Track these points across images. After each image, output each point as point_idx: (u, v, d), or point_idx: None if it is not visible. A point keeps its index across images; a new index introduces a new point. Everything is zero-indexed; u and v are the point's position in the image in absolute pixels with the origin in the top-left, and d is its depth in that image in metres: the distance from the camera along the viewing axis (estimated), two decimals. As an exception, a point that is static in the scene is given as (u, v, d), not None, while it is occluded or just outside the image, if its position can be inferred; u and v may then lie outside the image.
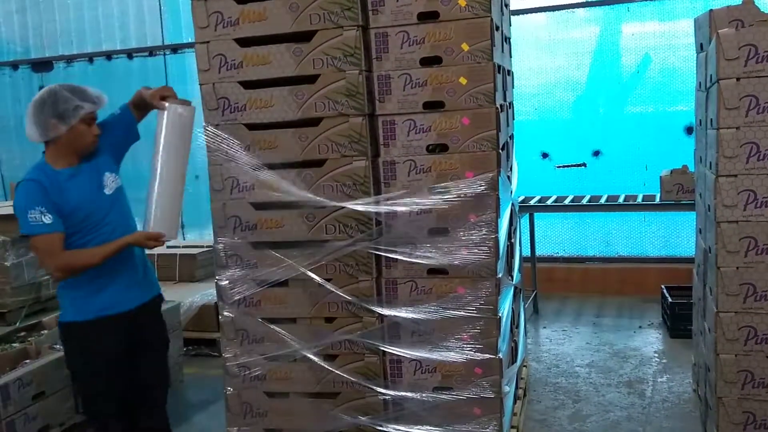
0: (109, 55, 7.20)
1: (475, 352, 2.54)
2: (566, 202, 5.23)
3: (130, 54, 7.13)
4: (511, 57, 3.34)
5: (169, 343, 2.92)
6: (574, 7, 5.73)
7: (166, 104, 2.58)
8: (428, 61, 2.48)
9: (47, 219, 2.47)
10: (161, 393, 2.85)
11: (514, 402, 3.12)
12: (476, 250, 2.49)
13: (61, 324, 2.69)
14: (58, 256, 2.49)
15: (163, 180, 2.56)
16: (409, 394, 2.61)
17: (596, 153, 5.80)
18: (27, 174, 2.57)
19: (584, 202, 5.18)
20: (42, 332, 4.04)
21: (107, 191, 2.65)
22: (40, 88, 7.45)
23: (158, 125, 2.60)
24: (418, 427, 2.61)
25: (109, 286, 2.61)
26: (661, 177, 4.80)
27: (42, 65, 7.47)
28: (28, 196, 2.50)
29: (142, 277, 2.75)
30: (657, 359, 4.28)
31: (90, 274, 2.55)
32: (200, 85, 2.68)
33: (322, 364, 2.66)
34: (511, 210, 2.96)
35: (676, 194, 4.72)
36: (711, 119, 2.78)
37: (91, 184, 2.62)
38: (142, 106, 2.76)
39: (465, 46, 2.43)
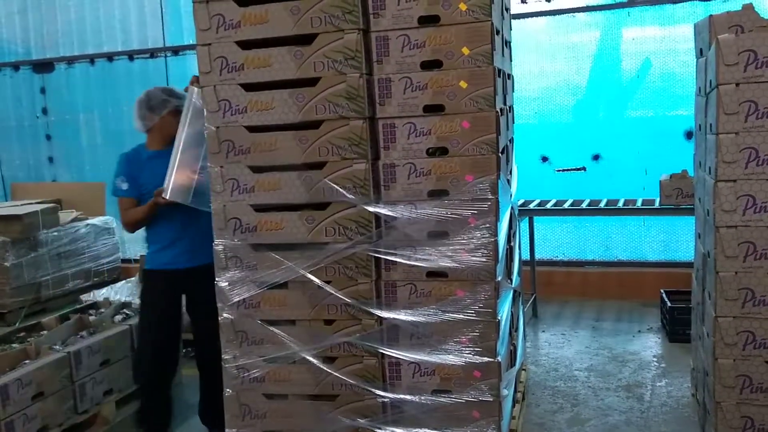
0: (110, 57, 7.22)
1: (473, 355, 2.55)
2: (566, 205, 5.23)
3: (131, 55, 7.14)
4: (511, 61, 3.35)
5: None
6: (574, 12, 5.74)
7: (190, 87, 3.01)
8: (429, 65, 2.49)
9: (124, 186, 3.25)
10: (211, 330, 3.15)
11: (513, 405, 3.13)
12: (475, 254, 2.50)
13: (143, 269, 3.50)
14: (125, 214, 3.28)
15: (177, 151, 3.00)
16: (407, 397, 2.62)
17: (596, 157, 5.81)
18: (127, 150, 3.37)
19: (584, 206, 5.18)
20: (41, 333, 4.04)
21: None
22: (41, 89, 7.55)
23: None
24: (417, 429, 2.61)
25: (170, 249, 3.29)
26: (660, 181, 4.81)
27: (43, 66, 7.49)
28: (118, 166, 3.30)
29: (197, 246, 3.23)
30: (656, 363, 4.28)
31: (160, 238, 3.30)
32: (201, 87, 2.69)
33: (321, 366, 2.67)
34: (511, 213, 2.96)
35: (676, 199, 4.72)
36: (710, 124, 2.79)
37: (165, 166, 3.09)
38: None
39: (465, 50, 2.44)
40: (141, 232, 3.37)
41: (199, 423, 3.59)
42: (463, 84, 2.45)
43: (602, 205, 5.14)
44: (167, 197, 3.01)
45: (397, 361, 2.63)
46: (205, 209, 2.95)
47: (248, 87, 2.62)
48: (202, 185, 2.99)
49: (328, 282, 2.63)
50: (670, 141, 5.53)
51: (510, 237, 3.06)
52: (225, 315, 2.77)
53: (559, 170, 5.91)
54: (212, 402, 3.33)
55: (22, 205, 6.25)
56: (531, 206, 5.25)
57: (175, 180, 3.01)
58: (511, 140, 3.28)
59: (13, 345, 3.86)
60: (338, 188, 2.55)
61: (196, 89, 2.92)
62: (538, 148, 5.92)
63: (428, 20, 2.46)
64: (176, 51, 6.95)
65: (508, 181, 2.97)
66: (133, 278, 6.06)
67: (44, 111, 7.56)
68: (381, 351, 2.62)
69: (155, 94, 3.25)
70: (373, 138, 2.56)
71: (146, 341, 3.44)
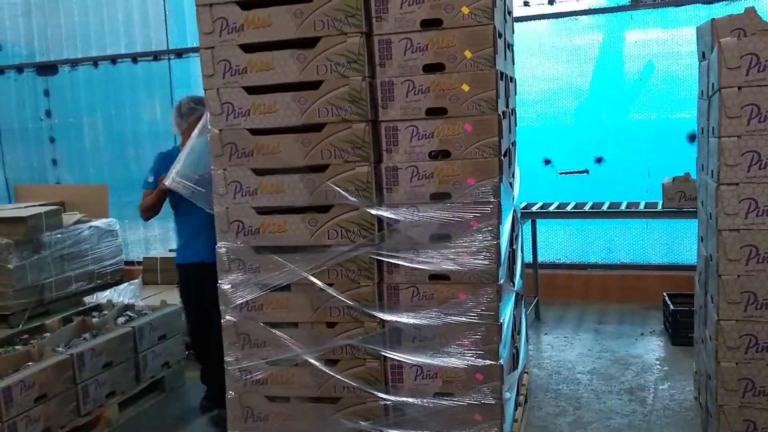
0: (113, 60, 7.24)
1: (476, 358, 2.55)
2: (568, 208, 5.22)
3: (134, 58, 7.16)
4: (514, 64, 3.35)
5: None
6: (577, 15, 5.74)
7: None
8: (431, 68, 2.49)
9: (150, 179, 3.63)
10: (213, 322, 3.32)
11: (515, 408, 3.12)
12: (478, 257, 2.50)
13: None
14: (142, 202, 3.66)
15: (188, 146, 3.23)
16: (410, 400, 2.62)
17: (599, 160, 5.81)
18: (164, 150, 3.82)
19: (586, 208, 5.18)
20: (45, 335, 4.05)
21: None
22: (45, 91, 7.58)
23: None
24: (419, 432, 2.61)
25: (190, 243, 3.61)
26: (663, 184, 4.81)
27: (47, 69, 7.51)
28: (153, 163, 3.70)
29: (210, 244, 3.21)
30: (658, 366, 4.27)
31: (181, 233, 3.68)
32: (204, 90, 2.70)
33: (324, 368, 2.67)
34: (513, 216, 2.96)
35: (678, 202, 4.72)
36: (713, 127, 2.79)
37: None
38: None
39: (468, 54, 2.44)
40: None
41: (201, 426, 3.59)
42: (465, 87, 2.46)
43: (605, 207, 5.13)
44: (167, 183, 3.25)
45: (400, 364, 2.63)
46: (205, 208, 3.05)
47: (251, 90, 2.63)
48: (203, 184, 3.08)
49: (330, 285, 2.63)
50: (672, 144, 5.52)
51: (512, 240, 3.06)
52: (228, 317, 2.77)
53: (561, 173, 5.91)
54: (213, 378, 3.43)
55: (25, 207, 6.26)
56: (533, 209, 5.25)
57: (178, 170, 3.21)
58: (514, 143, 3.29)
59: (16, 347, 3.87)
60: (341, 191, 2.56)
61: None
62: (540, 151, 5.92)
63: (431, 23, 2.46)
64: (179, 54, 6.97)
65: (511, 184, 2.97)
66: (135, 280, 6.08)
67: (48, 113, 7.59)
68: (383, 354, 2.62)
69: (185, 103, 3.65)
70: (375, 141, 2.57)
71: (187, 322, 4.04)
